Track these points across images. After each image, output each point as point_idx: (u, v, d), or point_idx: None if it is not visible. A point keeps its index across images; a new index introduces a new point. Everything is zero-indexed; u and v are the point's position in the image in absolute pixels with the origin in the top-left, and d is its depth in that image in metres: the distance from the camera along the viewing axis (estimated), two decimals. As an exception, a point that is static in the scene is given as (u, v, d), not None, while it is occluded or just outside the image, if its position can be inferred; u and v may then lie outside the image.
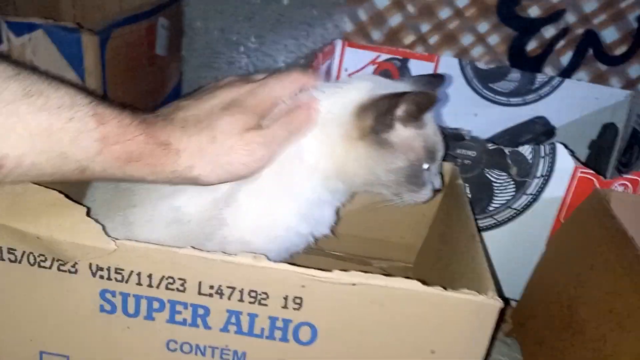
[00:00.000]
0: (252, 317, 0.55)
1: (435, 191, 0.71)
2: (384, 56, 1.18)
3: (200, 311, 0.55)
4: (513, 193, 0.85)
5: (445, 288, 0.53)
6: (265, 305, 0.54)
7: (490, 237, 0.88)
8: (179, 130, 0.55)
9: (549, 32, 1.24)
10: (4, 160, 0.47)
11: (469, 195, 0.86)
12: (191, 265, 0.53)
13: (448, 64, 1.19)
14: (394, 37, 1.27)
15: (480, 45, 1.26)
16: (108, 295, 0.55)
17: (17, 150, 0.47)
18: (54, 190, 0.54)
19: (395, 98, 0.62)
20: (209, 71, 1.24)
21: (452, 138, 0.84)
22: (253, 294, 0.54)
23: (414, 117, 0.64)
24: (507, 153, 0.83)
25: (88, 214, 0.53)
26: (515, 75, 1.20)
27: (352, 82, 0.68)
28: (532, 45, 1.26)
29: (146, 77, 1.09)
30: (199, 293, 0.54)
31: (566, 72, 1.27)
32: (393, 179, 0.66)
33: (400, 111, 0.63)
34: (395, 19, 1.25)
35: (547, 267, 0.84)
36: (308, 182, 0.65)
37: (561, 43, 1.25)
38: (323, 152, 0.65)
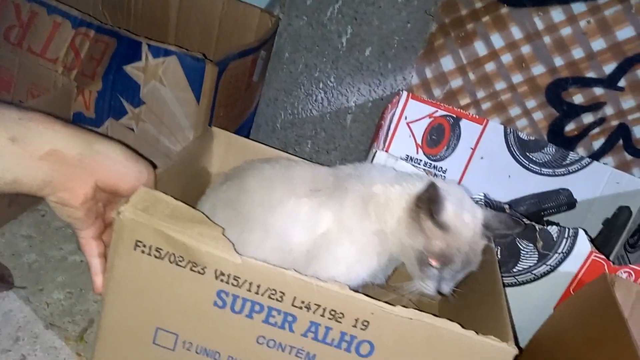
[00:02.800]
0: (328, 329, 0.70)
1: (440, 294, 0.86)
2: (441, 112, 1.35)
3: (289, 318, 0.70)
4: (535, 261, 1.02)
5: (477, 333, 0.68)
6: (340, 322, 0.69)
7: (510, 293, 1.05)
8: None
9: (587, 118, 1.39)
10: None
11: (499, 256, 1.03)
12: (292, 283, 0.68)
13: (494, 128, 1.36)
14: (451, 97, 1.43)
15: (525, 118, 1.42)
16: (222, 295, 0.69)
17: None
18: (200, 211, 0.70)
19: (436, 200, 0.81)
20: (286, 96, 1.40)
21: (495, 209, 1.01)
22: (332, 312, 0.69)
23: (431, 216, 0.81)
24: (537, 229, 1.00)
25: (223, 233, 0.69)
26: (550, 149, 1.37)
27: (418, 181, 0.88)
28: (570, 127, 1.41)
29: (242, 100, 1.26)
30: (292, 305, 0.69)
31: (595, 155, 1.42)
32: (410, 255, 0.84)
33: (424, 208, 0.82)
34: (456, 82, 1.42)
35: (551, 329, 1.01)
36: (385, 259, 0.85)
37: (596, 130, 1.40)
38: (395, 234, 0.84)
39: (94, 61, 1.08)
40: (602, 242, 1.36)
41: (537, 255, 1.02)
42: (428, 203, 0.81)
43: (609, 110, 1.38)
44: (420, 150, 1.41)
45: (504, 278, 1.05)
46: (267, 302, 0.69)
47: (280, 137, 1.46)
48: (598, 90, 1.36)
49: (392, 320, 0.68)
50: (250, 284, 0.68)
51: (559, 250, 1.00)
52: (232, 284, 0.68)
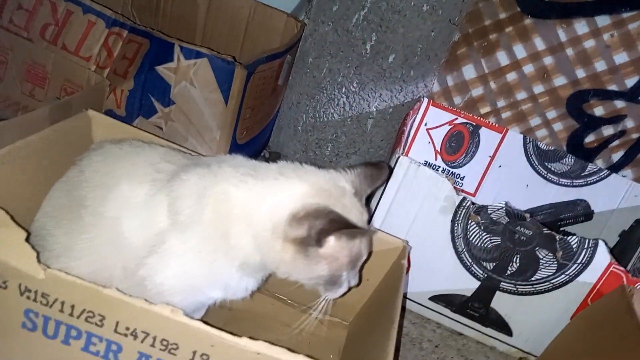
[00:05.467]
0: None
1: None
2: (461, 120, 1.37)
3: (114, 347, 0.59)
4: (554, 271, 1.03)
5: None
6: (174, 355, 0.59)
7: (528, 301, 1.07)
8: None
9: (607, 130, 1.41)
10: None
11: (517, 264, 1.04)
12: (112, 305, 0.57)
13: (513, 137, 1.38)
14: (472, 105, 1.45)
15: (545, 128, 1.44)
16: (31, 315, 0.59)
17: None
18: (4, 211, 0.59)
19: (332, 224, 0.66)
20: (309, 100, 1.42)
21: (516, 217, 1.03)
22: (165, 343, 0.58)
23: (345, 235, 0.69)
24: (557, 239, 1.01)
25: (27, 239, 0.57)
26: (569, 160, 1.38)
27: (285, 183, 0.70)
28: (590, 138, 1.43)
29: (267, 103, 1.28)
30: (115, 331, 0.58)
31: (614, 168, 1.44)
32: (313, 282, 0.73)
33: (334, 234, 0.69)
34: (477, 91, 1.43)
35: (568, 337, 1.02)
36: (230, 268, 0.70)
37: (616, 142, 1.42)
38: (249, 244, 0.68)
39: (126, 60, 1.11)
40: (618, 255, 1.37)
41: (556, 265, 1.03)
42: (319, 234, 0.67)
43: (629, 123, 1.39)
44: (439, 156, 1.43)
45: (522, 286, 1.06)
46: (85, 326, 0.59)
47: (301, 139, 1.48)
48: (619, 103, 1.37)
49: (236, 354, 0.58)
50: (62, 303, 0.58)
51: (579, 261, 1.02)
52: (41, 303, 0.58)
